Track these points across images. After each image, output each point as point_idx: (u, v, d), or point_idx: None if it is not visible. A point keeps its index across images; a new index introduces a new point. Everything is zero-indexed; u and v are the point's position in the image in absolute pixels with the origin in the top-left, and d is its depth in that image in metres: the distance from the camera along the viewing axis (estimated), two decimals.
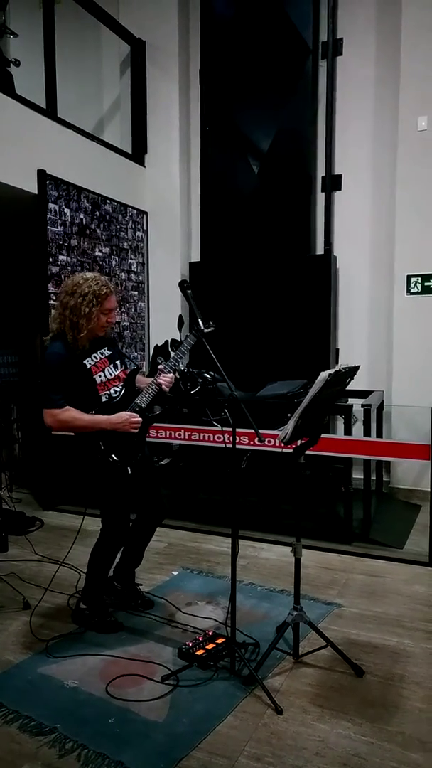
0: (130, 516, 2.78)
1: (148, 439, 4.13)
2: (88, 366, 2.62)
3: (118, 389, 2.68)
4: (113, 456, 2.59)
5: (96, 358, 2.66)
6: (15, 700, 2.21)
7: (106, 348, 2.72)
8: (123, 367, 2.76)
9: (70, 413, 2.54)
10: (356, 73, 4.98)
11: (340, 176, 5.09)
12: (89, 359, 2.63)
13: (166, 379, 2.64)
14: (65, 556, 3.12)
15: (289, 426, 2.29)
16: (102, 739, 2.00)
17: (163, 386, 2.64)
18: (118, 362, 2.74)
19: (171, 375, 2.66)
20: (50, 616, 2.87)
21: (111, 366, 2.70)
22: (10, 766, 1.90)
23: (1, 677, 2.36)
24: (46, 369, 2.59)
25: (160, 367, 2.68)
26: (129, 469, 2.61)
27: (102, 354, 2.69)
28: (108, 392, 2.65)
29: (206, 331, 2.57)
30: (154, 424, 4.04)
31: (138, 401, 2.65)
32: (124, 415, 2.58)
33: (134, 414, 2.61)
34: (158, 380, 2.64)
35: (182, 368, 2.79)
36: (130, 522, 2.78)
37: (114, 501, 2.68)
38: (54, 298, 4.42)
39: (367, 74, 4.96)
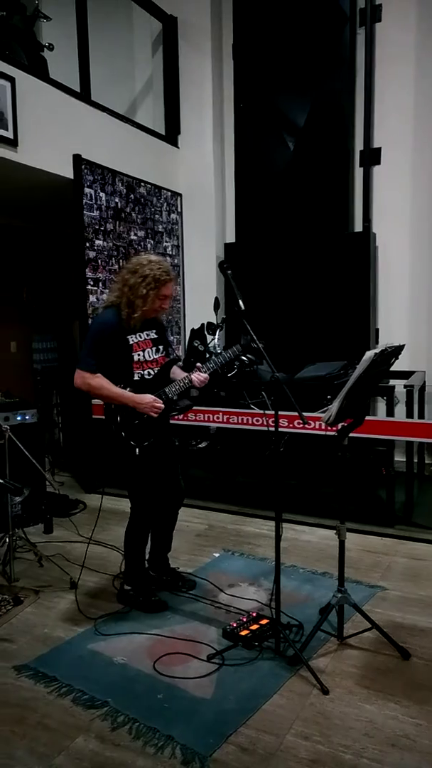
0: (157, 495, 2.81)
1: (186, 422, 4.15)
2: (131, 342, 2.65)
3: (152, 372, 2.70)
4: (124, 432, 2.63)
5: (141, 337, 2.69)
6: (67, 674, 2.29)
7: (153, 331, 2.75)
8: (164, 353, 2.78)
9: (100, 381, 2.59)
10: (396, 40, 4.79)
11: (379, 149, 4.94)
12: (134, 336, 2.67)
13: (199, 377, 2.66)
14: (91, 535, 3.26)
15: (334, 407, 2.26)
16: (152, 713, 2.06)
17: (195, 383, 2.66)
18: (160, 347, 2.76)
19: (206, 375, 2.67)
20: (96, 596, 2.94)
21: (153, 349, 2.72)
22: (64, 737, 1.96)
23: (53, 653, 2.44)
24: (91, 333, 2.68)
25: (198, 364, 2.69)
26: (137, 450, 2.64)
27: (148, 335, 2.72)
28: (142, 372, 2.68)
29: (256, 346, 2.49)
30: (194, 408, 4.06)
31: (167, 390, 2.68)
32: (149, 397, 2.61)
33: (158, 399, 2.63)
34: (192, 376, 2.66)
35: (221, 366, 2.72)
36: (156, 501, 2.81)
37: (135, 479, 2.72)
38: (91, 283, 4.46)
39: (407, 41, 4.76)
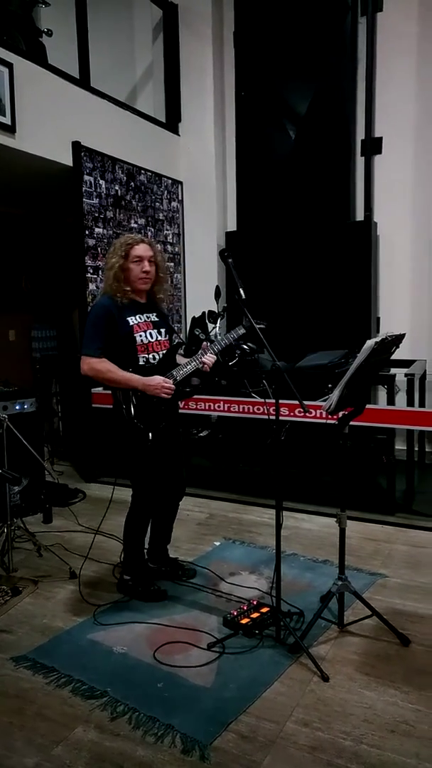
0: (159, 485, 2.79)
1: (187, 411, 4.13)
2: (131, 323, 2.64)
3: (157, 356, 2.68)
4: (136, 419, 2.59)
5: (141, 319, 2.68)
6: (66, 664, 2.27)
7: (154, 314, 2.74)
8: (167, 338, 2.76)
9: (106, 365, 2.56)
10: (398, 30, 4.73)
11: (380, 139, 4.89)
12: (133, 317, 2.65)
13: (210, 359, 2.63)
14: (99, 525, 3.19)
15: (334, 396, 2.24)
16: (152, 702, 2.05)
17: (206, 366, 2.63)
18: (163, 330, 2.74)
19: (214, 357, 2.65)
20: (96, 585, 2.93)
21: (155, 331, 2.70)
22: (63, 728, 1.95)
23: (53, 642, 2.43)
24: (90, 318, 2.67)
25: (204, 343, 2.65)
26: (150, 435, 2.61)
27: (148, 317, 2.70)
28: (147, 356, 2.65)
29: (258, 326, 2.48)
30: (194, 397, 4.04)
31: (174, 372, 2.64)
32: (158, 378, 2.58)
33: (168, 380, 2.60)
34: (202, 359, 2.62)
35: (227, 343, 2.71)
36: (158, 490, 2.78)
37: (140, 467, 2.70)
38: (91, 271, 4.43)
39: (409, 30, 4.70)
